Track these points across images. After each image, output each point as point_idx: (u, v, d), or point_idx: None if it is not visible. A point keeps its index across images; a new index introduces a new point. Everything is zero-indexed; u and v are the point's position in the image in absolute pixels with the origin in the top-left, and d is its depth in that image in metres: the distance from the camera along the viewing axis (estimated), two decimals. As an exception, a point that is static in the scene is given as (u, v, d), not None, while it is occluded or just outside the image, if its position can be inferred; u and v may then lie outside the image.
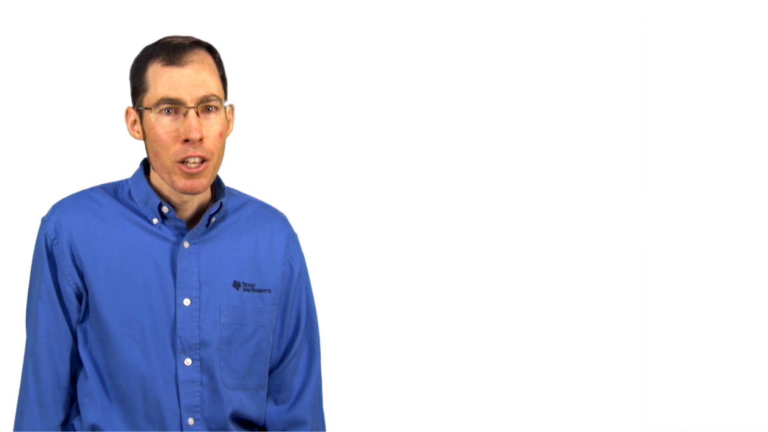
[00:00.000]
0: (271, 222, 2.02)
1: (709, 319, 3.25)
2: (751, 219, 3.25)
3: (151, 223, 1.92)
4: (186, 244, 1.91)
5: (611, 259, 3.28)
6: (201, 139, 1.85)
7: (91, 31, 3.10)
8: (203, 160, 1.86)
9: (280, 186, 3.08)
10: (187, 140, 1.84)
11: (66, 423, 1.93)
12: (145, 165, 1.96)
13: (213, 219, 1.94)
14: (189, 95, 1.85)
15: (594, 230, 3.29)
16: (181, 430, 1.89)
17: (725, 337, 3.25)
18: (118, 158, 2.55)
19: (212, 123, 1.87)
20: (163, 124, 1.86)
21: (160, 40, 1.91)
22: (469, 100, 3.27)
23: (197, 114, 1.85)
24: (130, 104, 1.93)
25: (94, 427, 1.89)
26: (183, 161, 1.85)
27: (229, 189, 2.01)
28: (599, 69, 3.28)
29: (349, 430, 3.12)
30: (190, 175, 1.86)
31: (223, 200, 1.95)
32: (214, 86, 1.87)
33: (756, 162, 3.25)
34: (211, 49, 1.91)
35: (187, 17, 3.11)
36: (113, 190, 1.96)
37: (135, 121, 1.92)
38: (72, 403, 1.94)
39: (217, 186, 1.98)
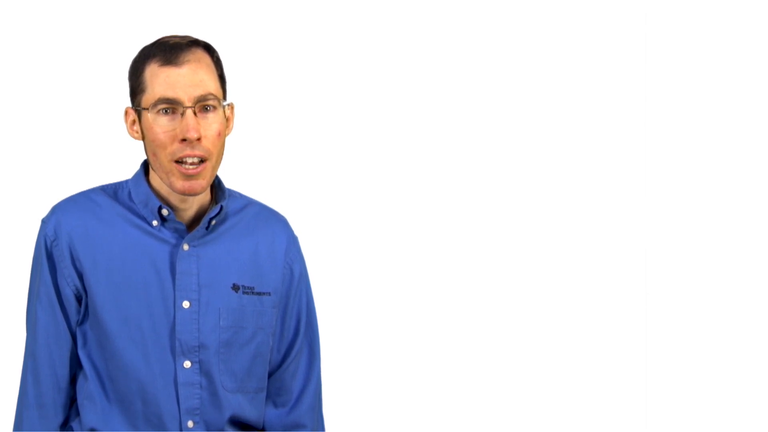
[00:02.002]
0: (271, 225, 2.02)
1: (710, 320, 3.25)
2: (751, 219, 3.25)
3: (150, 225, 1.92)
4: (185, 247, 1.91)
5: (611, 260, 3.28)
6: (199, 139, 1.84)
7: (90, 31, 3.09)
8: (202, 161, 1.86)
9: (281, 188, 3.07)
10: (184, 140, 1.84)
11: (65, 425, 1.93)
12: (146, 166, 1.96)
13: (213, 222, 1.94)
14: (186, 95, 1.84)
15: (594, 230, 3.28)
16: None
17: (726, 339, 3.25)
18: (118, 159, 2.55)
19: (210, 122, 1.86)
20: (160, 124, 1.85)
21: (158, 40, 1.91)
22: (469, 100, 3.27)
23: (195, 113, 1.84)
24: (130, 104, 1.93)
25: (93, 429, 1.89)
26: (181, 161, 1.85)
27: (230, 191, 2.01)
28: (599, 69, 3.27)
29: (349, 433, 3.13)
30: (189, 177, 1.86)
31: (224, 203, 1.95)
32: (211, 85, 1.87)
33: (756, 162, 3.25)
34: (208, 48, 1.90)
35: (187, 17, 3.11)
36: (113, 191, 1.96)
37: (134, 122, 1.92)
38: (71, 405, 1.94)
39: (218, 188, 1.98)
